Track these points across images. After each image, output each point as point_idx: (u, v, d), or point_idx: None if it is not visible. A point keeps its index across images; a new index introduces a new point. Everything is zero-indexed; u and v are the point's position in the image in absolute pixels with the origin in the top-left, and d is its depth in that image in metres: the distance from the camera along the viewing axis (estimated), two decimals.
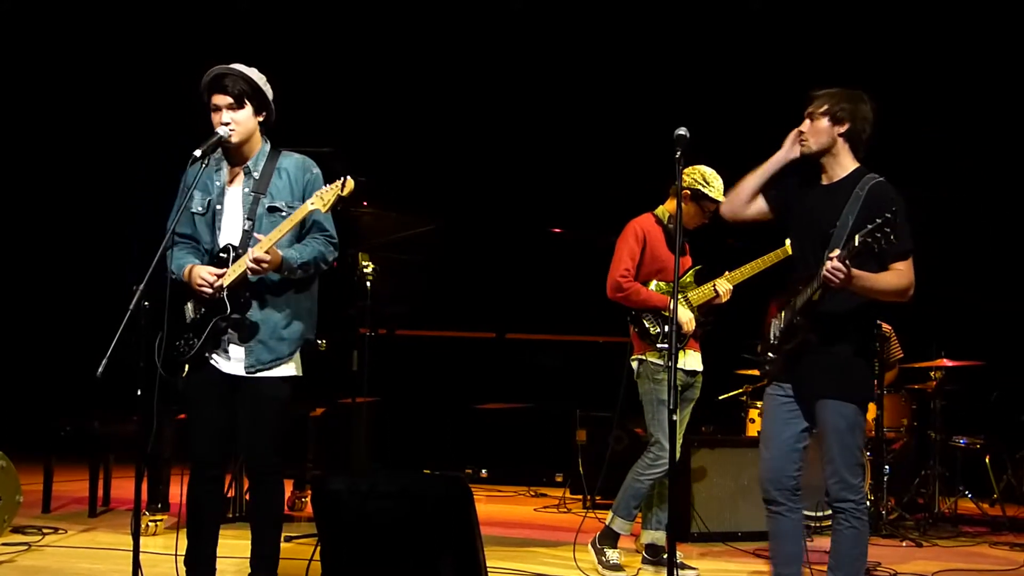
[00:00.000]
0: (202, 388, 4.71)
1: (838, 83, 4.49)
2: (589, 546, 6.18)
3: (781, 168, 4.54)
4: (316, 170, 4.84)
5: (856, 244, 4.10)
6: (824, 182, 4.50)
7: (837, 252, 4.18)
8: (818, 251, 4.37)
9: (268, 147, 4.81)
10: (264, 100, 4.72)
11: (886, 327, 8.58)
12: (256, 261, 4.50)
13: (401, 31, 11.12)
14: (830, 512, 7.59)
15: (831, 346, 4.39)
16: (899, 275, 4.32)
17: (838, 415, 4.38)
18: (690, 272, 6.22)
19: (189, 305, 4.72)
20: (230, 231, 4.73)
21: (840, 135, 4.43)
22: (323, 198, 4.54)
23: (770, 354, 4.55)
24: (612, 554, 6.10)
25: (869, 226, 4.07)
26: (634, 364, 6.17)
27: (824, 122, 4.42)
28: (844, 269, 4.15)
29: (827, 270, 4.17)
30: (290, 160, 4.82)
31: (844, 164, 4.47)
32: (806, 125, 4.46)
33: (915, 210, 4.30)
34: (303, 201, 4.73)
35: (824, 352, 4.39)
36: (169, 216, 4.82)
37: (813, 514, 7.71)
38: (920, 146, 10.08)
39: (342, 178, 4.54)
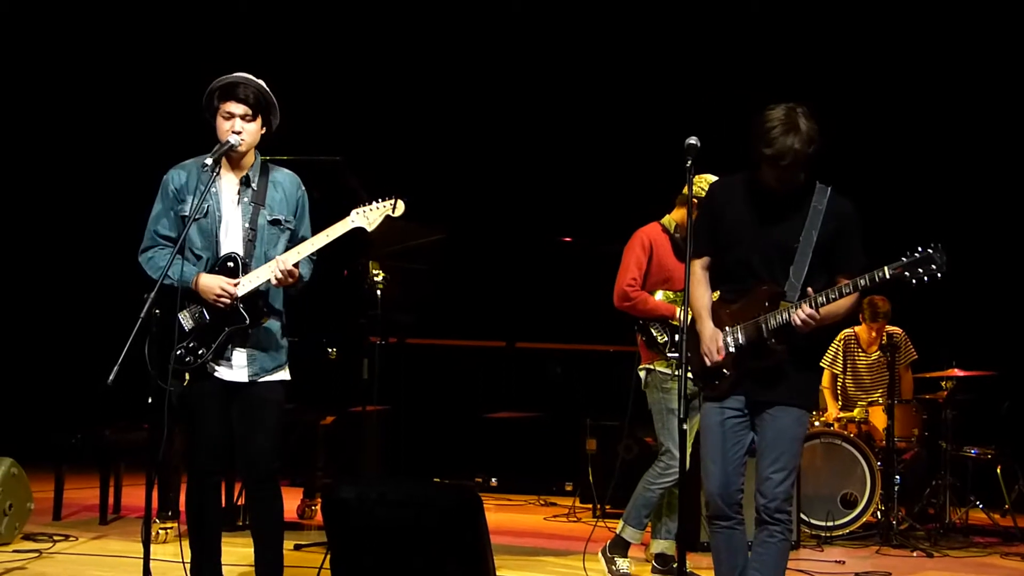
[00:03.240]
0: (204, 397, 4.71)
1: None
2: (599, 555, 6.18)
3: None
4: (304, 188, 4.89)
5: (888, 276, 4.10)
6: (771, 194, 4.39)
7: (805, 305, 4.19)
8: (778, 266, 4.36)
9: (260, 159, 4.83)
10: (272, 114, 4.74)
11: (898, 331, 8.57)
12: (288, 273, 4.53)
13: (411, 38, 11.14)
14: (842, 522, 7.68)
15: (800, 361, 4.41)
16: (852, 296, 4.27)
17: (798, 423, 4.41)
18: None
19: (186, 313, 4.68)
20: (231, 240, 4.73)
21: None
22: (368, 217, 4.58)
23: (725, 371, 4.45)
24: (622, 563, 6.10)
25: (905, 259, 4.07)
26: (642, 374, 6.17)
27: (811, 156, 4.27)
28: (818, 316, 4.20)
29: (802, 320, 4.19)
30: (283, 175, 4.85)
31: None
32: (783, 177, 4.31)
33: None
34: (295, 216, 4.78)
35: (792, 365, 4.38)
36: (151, 218, 4.81)
37: (823, 524, 7.71)
38: (925, 146, 10.10)
39: (393, 199, 4.57)
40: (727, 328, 4.46)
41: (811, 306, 4.19)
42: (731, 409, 4.46)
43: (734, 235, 4.44)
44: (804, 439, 4.50)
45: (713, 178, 5.97)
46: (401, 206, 4.56)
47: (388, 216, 4.61)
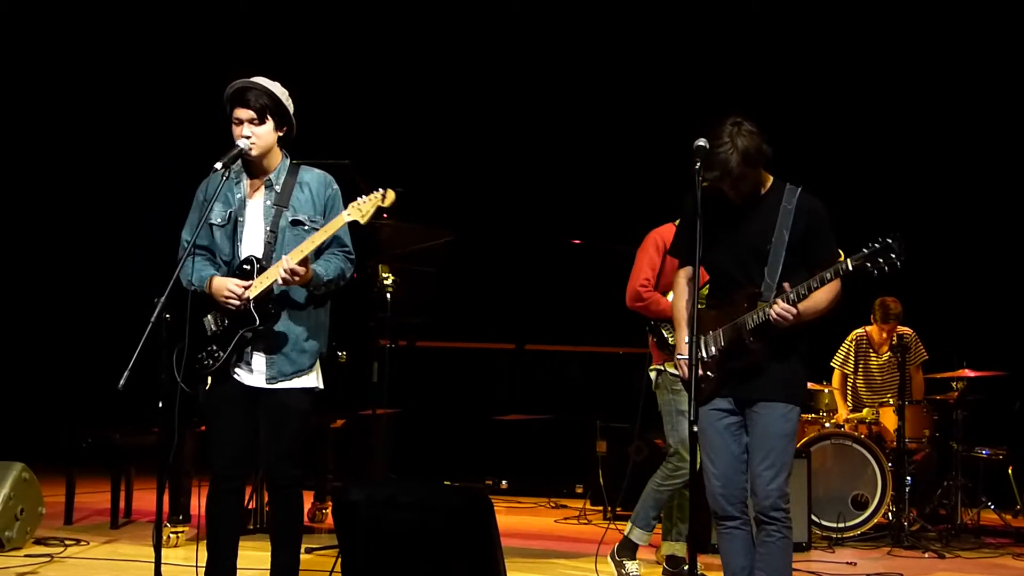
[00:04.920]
0: (223, 401, 4.71)
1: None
2: (609, 558, 6.17)
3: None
4: (336, 186, 4.86)
5: (851, 267, 4.17)
6: (738, 199, 4.45)
7: (780, 301, 4.25)
8: (754, 268, 4.41)
9: (288, 161, 4.83)
10: (285, 115, 4.74)
11: (909, 332, 8.55)
12: (291, 272, 4.51)
13: (419, 41, 11.15)
14: (853, 523, 7.66)
15: (780, 357, 4.41)
16: (830, 288, 4.34)
17: (784, 419, 4.42)
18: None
19: (210, 317, 4.71)
20: (252, 243, 4.74)
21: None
22: (361, 209, 4.56)
23: (709, 373, 4.47)
24: (631, 566, 6.08)
25: (866, 250, 4.13)
26: (653, 374, 6.17)
27: (749, 173, 4.35)
28: (794, 311, 4.24)
29: (778, 314, 4.25)
30: (312, 175, 4.83)
31: (762, 182, 4.47)
32: (733, 192, 4.40)
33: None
34: (323, 216, 4.75)
35: (773, 362, 4.40)
36: (184, 227, 4.85)
37: (834, 525, 7.69)
38: (935, 148, 10.08)
39: (382, 190, 4.56)
40: (709, 332, 4.50)
41: (787, 301, 4.26)
42: (721, 410, 4.49)
43: (710, 243, 4.46)
44: (795, 434, 4.49)
45: None
46: (392, 196, 4.54)
47: (379, 207, 4.57)
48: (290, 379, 4.71)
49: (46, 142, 11.61)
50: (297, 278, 4.53)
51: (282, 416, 4.69)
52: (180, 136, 10.43)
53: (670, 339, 5.99)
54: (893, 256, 4.09)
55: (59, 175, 11.75)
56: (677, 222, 6.21)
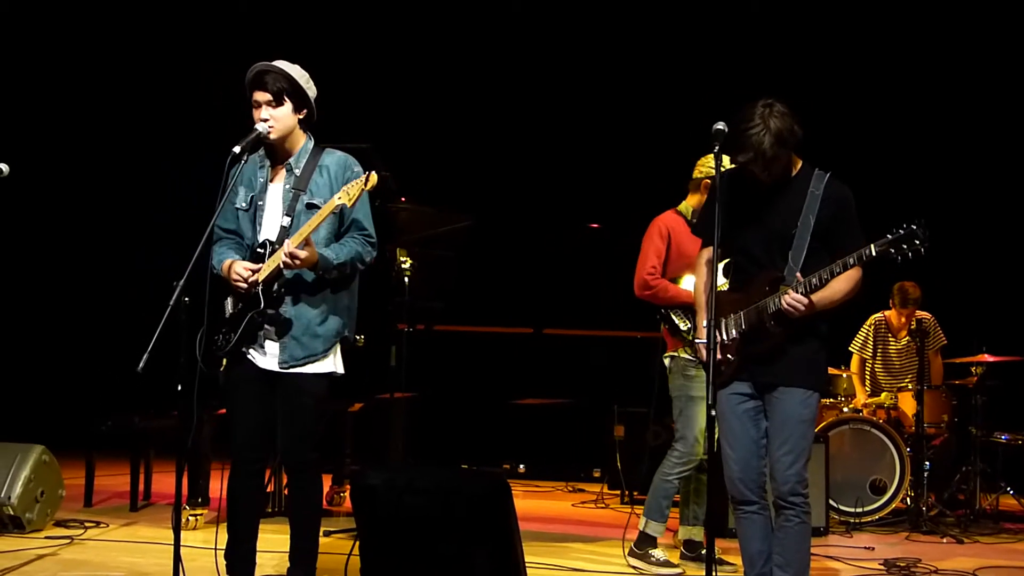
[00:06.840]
0: (241, 383, 4.74)
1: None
2: (628, 556, 6.11)
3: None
4: (358, 168, 4.84)
5: (874, 253, 4.14)
6: (768, 181, 4.42)
7: (791, 291, 4.24)
8: (778, 252, 4.39)
9: (311, 144, 4.82)
10: (304, 97, 4.73)
11: (928, 317, 8.51)
12: (290, 256, 4.51)
13: (440, 26, 11.14)
14: (871, 508, 7.64)
15: (800, 341, 4.40)
16: (849, 277, 4.32)
17: (803, 405, 4.41)
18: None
19: (229, 300, 4.76)
20: (269, 227, 4.76)
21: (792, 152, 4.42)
22: (348, 193, 4.56)
23: (728, 356, 4.47)
24: (657, 553, 6.05)
25: (890, 236, 4.11)
26: (666, 361, 6.16)
27: (781, 155, 4.33)
28: (805, 301, 4.23)
29: (788, 304, 4.24)
30: (332, 158, 4.83)
31: (792, 165, 4.45)
32: (763, 174, 4.37)
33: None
34: None
35: (793, 346, 4.39)
36: (216, 215, 4.88)
37: (852, 510, 7.68)
38: (952, 134, 10.03)
39: (365, 173, 4.57)
40: (730, 315, 4.49)
41: (798, 291, 4.24)
42: (741, 395, 4.48)
43: (736, 225, 4.46)
44: (814, 420, 4.48)
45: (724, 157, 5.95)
46: (374, 179, 4.53)
47: (363, 190, 4.56)
48: (302, 364, 4.72)
49: (60, 141, 11.62)
50: (298, 262, 4.53)
51: (296, 400, 4.71)
52: (193, 130, 10.46)
53: (681, 325, 5.98)
54: (917, 243, 4.06)
55: (72, 168, 11.74)
56: (680, 206, 6.22)
